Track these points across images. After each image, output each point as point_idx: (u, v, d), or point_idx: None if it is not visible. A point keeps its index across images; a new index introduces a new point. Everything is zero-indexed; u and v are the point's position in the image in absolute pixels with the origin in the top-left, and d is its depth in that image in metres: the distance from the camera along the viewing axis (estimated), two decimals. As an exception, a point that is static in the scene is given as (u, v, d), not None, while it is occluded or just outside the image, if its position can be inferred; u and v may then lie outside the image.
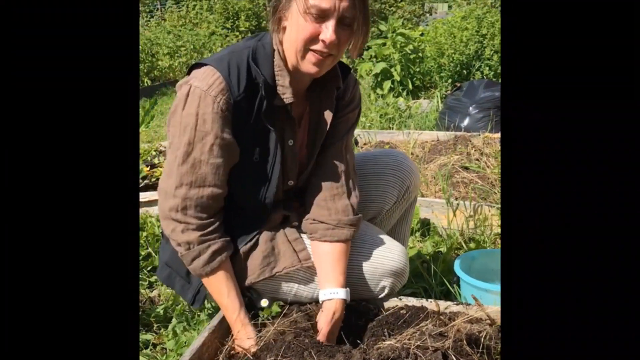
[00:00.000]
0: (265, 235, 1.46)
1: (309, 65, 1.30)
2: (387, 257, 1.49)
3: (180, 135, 1.33)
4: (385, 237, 1.55)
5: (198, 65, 1.36)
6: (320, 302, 1.42)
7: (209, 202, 1.36)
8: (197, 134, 1.31)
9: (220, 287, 1.39)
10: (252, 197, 1.43)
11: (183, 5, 14.39)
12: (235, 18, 12.63)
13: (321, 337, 1.33)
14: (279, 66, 1.36)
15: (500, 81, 4.90)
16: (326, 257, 1.45)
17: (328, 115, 1.46)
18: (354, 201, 1.51)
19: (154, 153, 3.21)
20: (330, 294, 1.40)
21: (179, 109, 1.33)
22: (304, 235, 1.51)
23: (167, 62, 8.58)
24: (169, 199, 1.35)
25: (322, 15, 1.24)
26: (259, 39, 1.39)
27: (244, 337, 1.35)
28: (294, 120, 1.42)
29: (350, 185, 1.52)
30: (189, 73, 1.38)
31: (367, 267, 1.49)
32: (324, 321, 1.36)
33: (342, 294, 1.40)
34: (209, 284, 1.40)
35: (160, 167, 2.96)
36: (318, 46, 1.27)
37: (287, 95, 1.36)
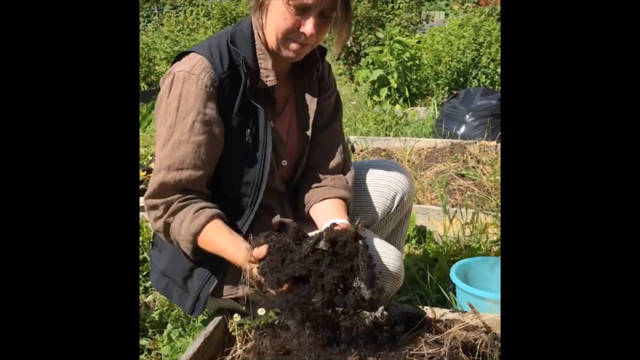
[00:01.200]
0: None
1: (288, 52, 1.35)
2: (382, 262, 1.49)
3: (164, 123, 1.34)
4: (380, 242, 1.55)
5: (179, 58, 1.39)
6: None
7: (187, 186, 1.34)
8: (179, 115, 1.32)
9: (213, 238, 1.33)
10: (250, 182, 1.41)
11: (180, 11, 14.40)
12: (232, 23, 12.66)
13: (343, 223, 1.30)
14: (261, 49, 1.39)
15: (496, 89, 4.92)
16: (327, 208, 1.47)
17: (313, 95, 1.51)
18: (349, 175, 1.58)
19: (150, 158, 3.20)
20: (336, 220, 1.35)
21: (164, 98, 1.35)
22: None
23: (164, 67, 8.58)
24: (148, 189, 1.35)
25: (304, 9, 1.28)
26: (236, 25, 1.44)
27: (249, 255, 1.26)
28: (276, 101, 1.45)
29: (348, 162, 1.60)
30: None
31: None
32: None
33: (346, 222, 1.38)
34: (204, 242, 1.34)
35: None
36: (298, 37, 1.32)
37: (270, 78, 1.39)
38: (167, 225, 1.36)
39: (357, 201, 1.62)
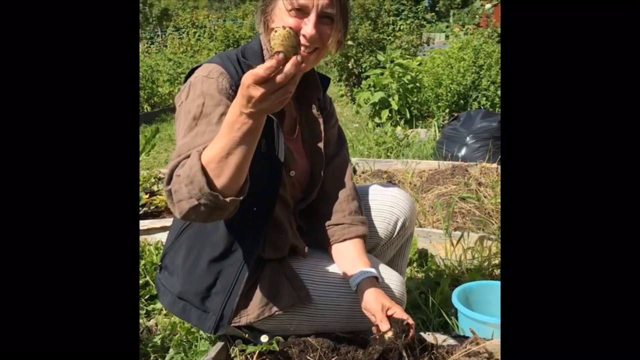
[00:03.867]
0: (265, 273, 1.46)
1: None
2: (385, 287, 1.49)
3: (185, 120, 1.28)
4: (383, 267, 1.56)
5: (191, 73, 1.40)
6: (355, 287, 1.42)
7: None
8: (205, 110, 1.27)
9: (213, 143, 1.15)
10: (264, 190, 1.40)
11: (184, 32, 14.56)
12: (235, 46, 12.81)
13: (399, 312, 1.33)
14: None
15: (497, 112, 4.95)
16: (349, 250, 1.51)
17: (317, 120, 1.55)
18: (361, 203, 1.62)
19: (153, 180, 3.22)
20: (365, 272, 1.42)
21: (183, 103, 1.32)
22: (303, 271, 1.51)
23: (167, 88, 8.66)
24: (164, 179, 1.22)
25: (302, 11, 1.31)
26: (245, 44, 1.49)
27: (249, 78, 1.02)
28: (285, 114, 1.49)
29: (355, 191, 1.63)
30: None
31: (366, 297, 1.49)
32: (383, 301, 1.35)
33: (374, 272, 1.43)
34: (206, 154, 1.14)
35: (160, 195, 2.97)
36: (301, 41, 1.33)
37: None
38: (177, 179, 1.17)
39: None
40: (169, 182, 1.20)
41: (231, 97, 1.31)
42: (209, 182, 1.13)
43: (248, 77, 1.01)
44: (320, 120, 1.56)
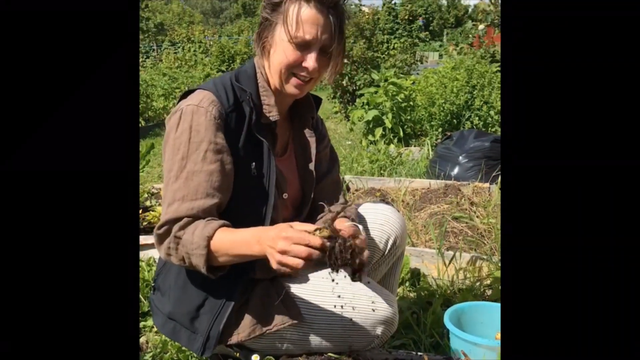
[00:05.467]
0: (257, 292, 1.46)
1: (291, 88, 1.42)
2: (377, 306, 1.49)
3: (174, 156, 1.35)
4: (375, 286, 1.55)
5: (184, 96, 1.43)
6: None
7: (199, 215, 1.34)
8: (191, 147, 1.34)
9: (229, 236, 1.30)
10: (255, 214, 1.43)
11: (179, 47, 14.61)
12: (230, 61, 12.86)
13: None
14: (264, 87, 1.46)
15: (489, 131, 4.99)
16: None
17: (310, 140, 1.59)
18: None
19: (146, 195, 3.21)
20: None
21: (172, 132, 1.37)
22: (295, 290, 1.50)
23: (161, 103, 8.68)
24: (160, 220, 1.34)
25: (305, 46, 1.36)
26: (241, 66, 1.52)
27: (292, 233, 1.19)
28: (277, 137, 1.51)
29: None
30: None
31: (357, 315, 1.48)
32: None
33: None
34: (218, 242, 1.30)
35: (152, 211, 2.96)
36: (301, 72, 1.39)
37: (273, 114, 1.45)
38: (177, 241, 1.32)
39: None
40: (160, 227, 1.33)
41: (220, 126, 1.36)
42: (206, 266, 1.30)
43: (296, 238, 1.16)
44: (313, 139, 1.59)
